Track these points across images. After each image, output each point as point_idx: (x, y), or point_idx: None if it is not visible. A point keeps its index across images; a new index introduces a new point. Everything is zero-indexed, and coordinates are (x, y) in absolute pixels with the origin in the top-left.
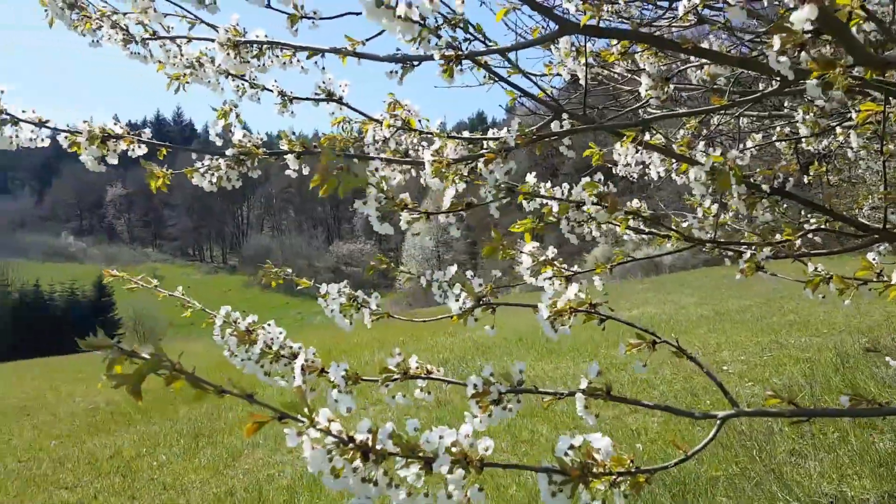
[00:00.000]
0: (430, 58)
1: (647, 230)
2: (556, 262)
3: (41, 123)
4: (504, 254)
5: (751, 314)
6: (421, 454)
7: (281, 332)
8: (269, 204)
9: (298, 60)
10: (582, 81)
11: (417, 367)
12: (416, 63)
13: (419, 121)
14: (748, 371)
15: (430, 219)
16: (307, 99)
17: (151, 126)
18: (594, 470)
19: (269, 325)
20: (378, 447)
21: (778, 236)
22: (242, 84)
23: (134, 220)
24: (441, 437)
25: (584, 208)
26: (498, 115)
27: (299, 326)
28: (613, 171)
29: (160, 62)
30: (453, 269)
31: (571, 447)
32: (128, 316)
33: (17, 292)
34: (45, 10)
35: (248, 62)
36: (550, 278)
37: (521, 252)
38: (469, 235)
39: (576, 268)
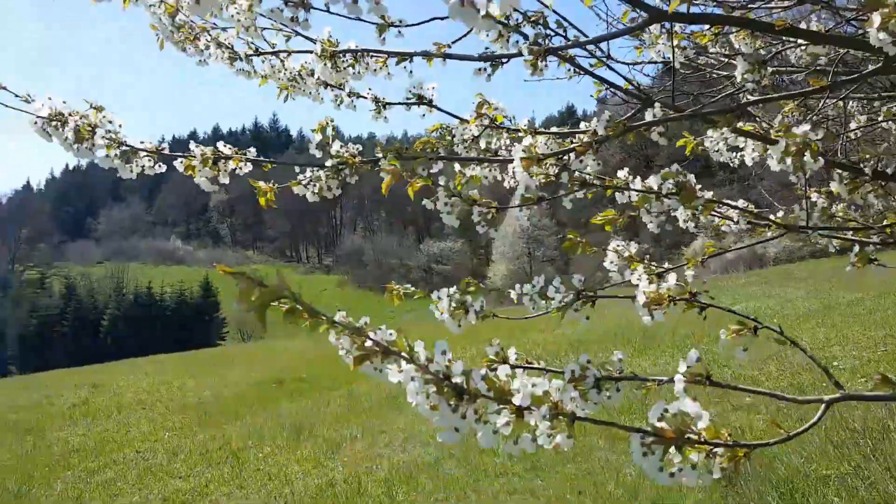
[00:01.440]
0: (519, 54)
1: (734, 218)
2: (641, 258)
3: (157, 152)
4: (584, 249)
5: (863, 307)
6: (512, 400)
7: (391, 333)
8: (361, 205)
9: (386, 66)
10: (673, 66)
11: (517, 358)
12: (504, 61)
13: (507, 118)
14: (861, 367)
15: (502, 214)
16: (399, 103)
17: (250, 133)
18: (689, 437)
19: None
20: (472, 388)
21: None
22: (340, 94)
23: (236, 224)
24: (533, 385)
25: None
26: (589, 106)
27: (392, 324)
28: (710, 162)
29: (263, 76)
30: (541, 279)
31: (666, 411)
32: (232, 315)
33: (131, 294)
34: (157, 34)
35: (344, 71)
36: (640, 276)
37: (607, 249)
38: (561, 232)
39: (667, 264)
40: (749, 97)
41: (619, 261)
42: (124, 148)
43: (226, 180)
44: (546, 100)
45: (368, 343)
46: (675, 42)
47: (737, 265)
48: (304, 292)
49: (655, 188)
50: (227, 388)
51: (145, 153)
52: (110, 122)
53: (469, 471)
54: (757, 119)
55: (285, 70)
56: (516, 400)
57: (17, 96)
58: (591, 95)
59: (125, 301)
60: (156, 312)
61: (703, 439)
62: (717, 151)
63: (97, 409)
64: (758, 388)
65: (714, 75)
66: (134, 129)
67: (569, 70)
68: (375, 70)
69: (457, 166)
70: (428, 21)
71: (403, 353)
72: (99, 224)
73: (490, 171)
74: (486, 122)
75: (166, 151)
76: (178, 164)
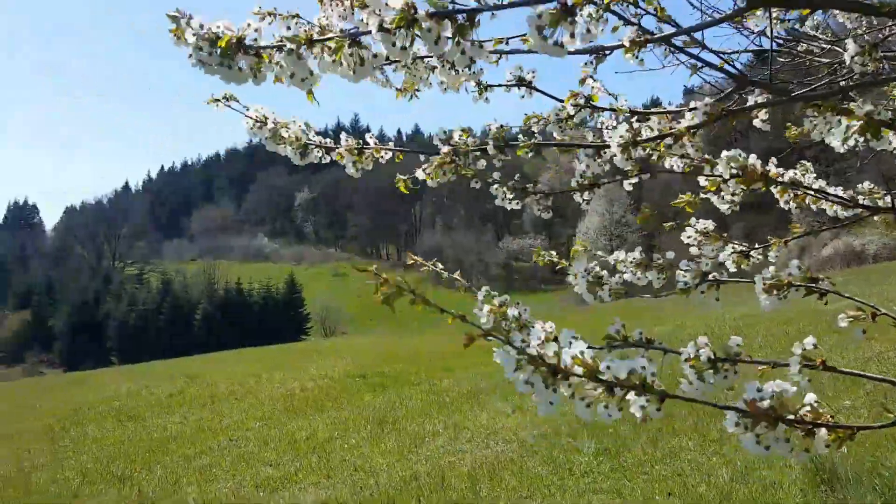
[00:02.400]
0: (621, 46)
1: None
2: (719, 236)
3: (322, 146)
4: (661, 224)
5: None
6: (603, 378)
7: (525, 308)
8: (440, 202)
9: (494, 61)
10: (771, 51)
11: (640, 336)
12: (607, 52)
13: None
14: None
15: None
16: (500, 85)
17: (332, 132)
18: (786, 416)
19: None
20: (563, 367)
21: None
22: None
23: (319, 221)
24: (615, 365)
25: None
26: (675, 98)
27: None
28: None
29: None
30: (638, 249)
31: (759, 390)
32: (315, 311)
33: (222, 289)
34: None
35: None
36: (730, 254)
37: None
38: (644, 228)
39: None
40: (851, 82)
41: (698, 236)
42: (302, 143)
43: (369, 167)
44: (630, 94)
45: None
46: (774, 27)
47: (833, 262)
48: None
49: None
50: (312, 380)
51: (315, 146)
52: (295, 122)
53: (553, 469)
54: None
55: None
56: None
57: (243, 106)
58: (684, 87)
59: (216, 296)
60: (244, 307)
61: (801, 418)
62: (823, 137)
63: (192, 398)
64: (875, 375)
65: (814, 63)
66: (231, 130)
67: (665, 50)
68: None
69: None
70: (524, 4)
71: (501, 336)
72: (192, 223)
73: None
74: (582, 101)
75: (329, 144)
76: (335, 154)
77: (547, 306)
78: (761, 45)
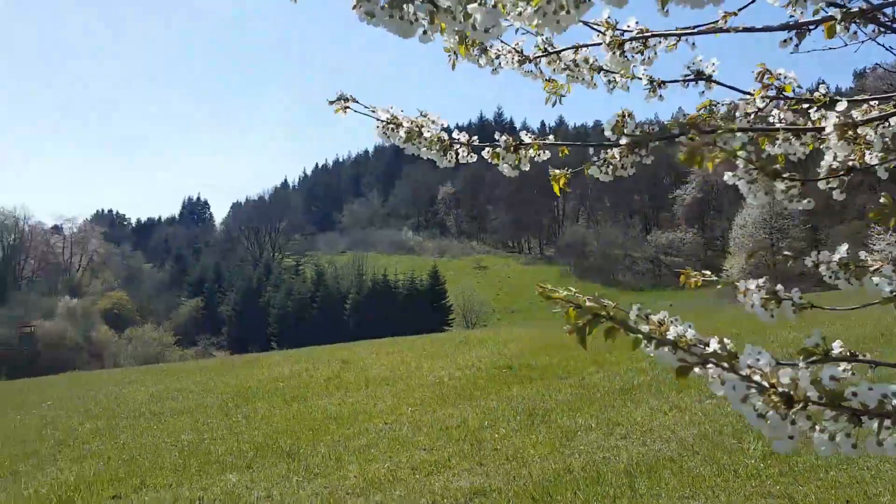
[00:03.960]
0: (831, 19)
1: None
2: None
3: (468, 144)
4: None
5: None
6: (847, 405)
7: (689, 325)
8: (584, 194)
9: (675, 47)
10: None
11: (841, 350)
12: (811, 28)
13: (795, 88)
14: None
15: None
16: (675, 81)
17: (475, 126)
18: None
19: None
20: (801, 395)
21: None
22: (613, 77)
23: (461, 215)
24: (870, 390)
25: None
26: (843, 83)
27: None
28: None
29: (547, 80)
30: (844, 247)
31: None
32: (458, 303)
33: (370, 280)
34: (449, 55)
35: (631, 59)
36: None
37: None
38: (809, 221)
39: None
40: None
41: None
42: (444, 143)
43: (526, 167)
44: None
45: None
46: None
47: None
48: (526, 283)
49: None
50: (460, 370)
51: (459, 145)
52: (433, 122)
53: (717, 470)
54: None
55: (560, 61)
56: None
57: (365, 107)
58: (856, 69)
59: (364, 287)
60: (390, 298)
61: None
62: None
63: (348, 382)
64: None
65: None
66: (369, 129)
67: (874, 29)
68: (664, 50)
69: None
70: None
71: (724, 364)
72: (343, 217)
73: (797, 144)
74: (773, 93)
75: (476, 143)
76: (486, 153)
77: (694, 301)
78: None
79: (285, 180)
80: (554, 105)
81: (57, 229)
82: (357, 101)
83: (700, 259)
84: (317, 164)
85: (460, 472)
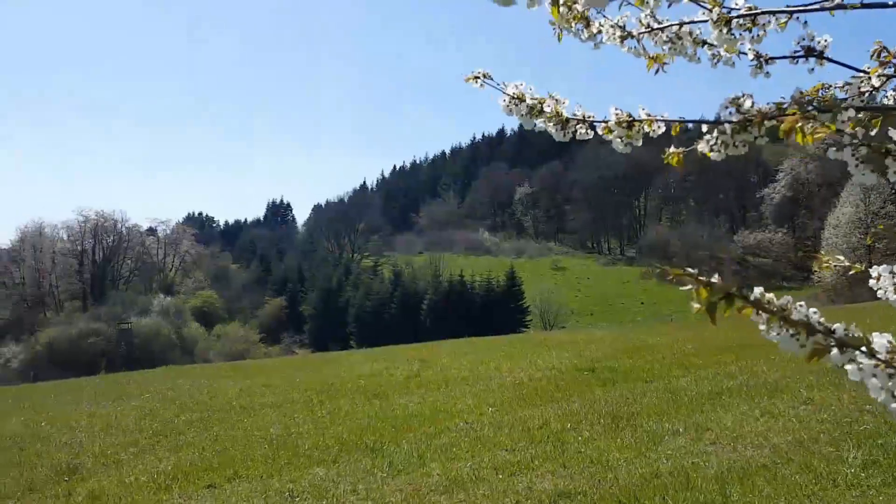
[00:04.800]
0: None
1: None
2: None
3: (585, 120)
4: None
5: None
6: None
7: (815, 311)
8: (666, 194)
9: (784, 25)
10: None
11: None
12: None
13: None
14: None
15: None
16: (784, 57)
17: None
18: None
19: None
20: None
21: None
22: (718, 52)
23: (539, 216)
24: None
25: None
26: None
27: (701, 320)
28: None
29: (651, 58)
30: None
31: None
32: (535, 304)
33: (446, 281)
34: (554, 28)
35: (738, 37)
36: None
37: None
38: None
39: None
40: None
41: None
42: (562, 118)
43: (639, 142)
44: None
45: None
46: None
47: None
48: (606, 284)
49: None
50: (539, 371)
51: (576, 121)
52: (556, 99)
53: (813, 478)
54: None
55: (663, 33)
56: None
57: (496, 84)
58: None
59: (441, 287)
60: (466, 299)
61: None
62: None
63: (427, 381)
64: None
65: None
66: (446, 130)
67: None
68: (775, 28)
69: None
70: None
71: (862, 348)
72: (420, 218)
73: None
74: (891, 70)
75: (594, 118)
76: (599, 128)
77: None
78: None
79: (364, 182)
80: (657, 72)
81: (152, 231)
82: (491, 78)
83: (790, 260)
84: (394, 166)
85: (544, 474)
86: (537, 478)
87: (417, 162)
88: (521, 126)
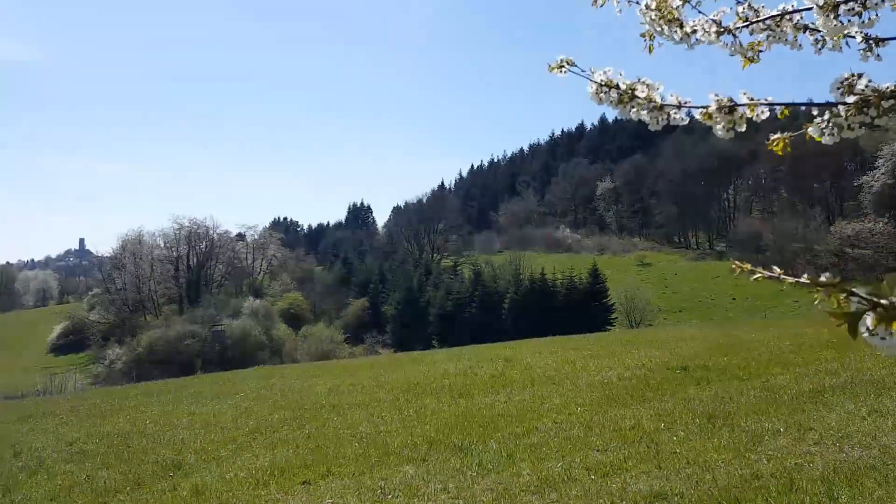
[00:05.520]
0: None
1: None
2: None
3: (681, 105)
4: None
5: None
6: None
7: None
8: (757, 185)
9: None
10: None
11: None
12: None
13: None
14: None
15: None
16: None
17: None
18: None
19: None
20: None
21: None
22: (821, 37)
23: (622, 211)
24: None
25: None
26: None
27: (797, 316)
28: None
29: (746, 57)
30: None
31: None
32: (620, 301)
33: (527, 279)
34: (645, 41)
35: (847, 24)
36: None
37: None
38: None
39: None
40: None
41: None
42: (656, 104)
43: (742, 128)
44: None
45: None
46: None
47: None
48: (694, 280)
49: None
50: (628, 370)
51: (671, 107)
52: (647, 85)
53: None
54: None
55: (760, 21)
56: None
57: (582, 70)
58: None
59: (522, 286)
60: (548, 297)
61: None
62: None
63: (512, 380)
64: None
65: None
66: (524, 128)
67: None
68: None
69: None
70: None
71: None
72: (499, 216)
73: None
74: None
75: (691, 104)
76: (698, 114)
77: None
78: None
79: (442, 183)
80: (752, 61)
81: (241, 237)
82: (575, 65)
83: (892, 251)
84: (472, 164)
85: (638, 475)
86: (631, 479)
87: (495, 160)
88: (601, 120)
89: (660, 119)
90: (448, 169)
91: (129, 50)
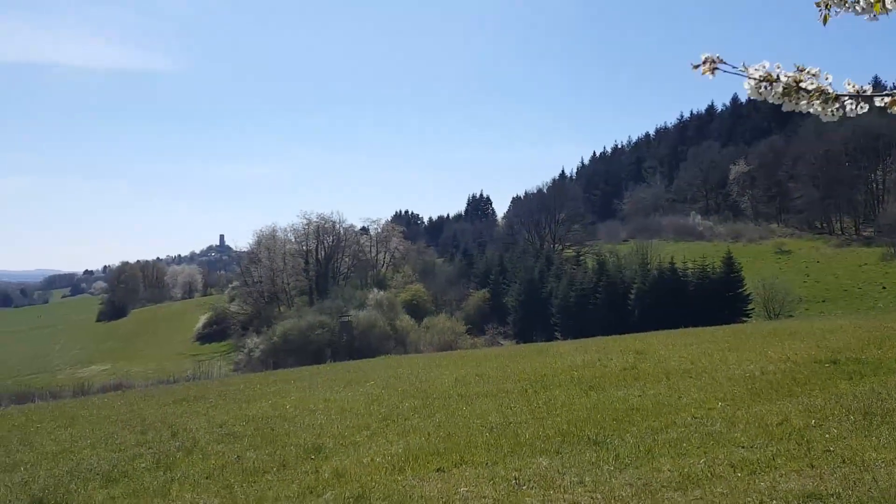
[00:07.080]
0: None
1: None
2: None
3: (858, 95)
4: None
5: None
6: None
7: None
8: None
9: None
10: None
11: None
12: None
13: None
14: None
15: None
16: None
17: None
18: None
19: None
20: None
21: None
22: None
23: (757, 196)
24: None
25: None
26: None
27: None
28: None
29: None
30: None
31: None
32: (757, 291)
33: (655, 269)
34: (820, 9)
35: None
36: None
37: None
38: None
39: None
40: None
41: None
42: (830, 95)
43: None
44: None
45: None
46: None
47: None
48: (838, 268)
49: None
50: (772, 363)
51: (847, 96)
52: (814, 75)
53: None
54: None
55: None
56: None
57: (734, 67)
58: None
59: (649, 276)
60: (678, 287)
61: None
62: None
63: (645, 374)
64: None
65: None
66: (649, 112)
67: None
68: None
69: None
70: None
71: None
72: (623, 204)
73: None
74: None
75: (870, 92)
76: (878, 101)
77: None
78: None
79: (563, 171)
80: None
81: (365, 230)
82: (724, 62)
83: None
84: (594, 152)
85: (788, 474)
86: (781, 477)
87: (619, 146)
88: (733, 100)
89: (835, 111)
90: (569, 157)
91: (260, 63)
